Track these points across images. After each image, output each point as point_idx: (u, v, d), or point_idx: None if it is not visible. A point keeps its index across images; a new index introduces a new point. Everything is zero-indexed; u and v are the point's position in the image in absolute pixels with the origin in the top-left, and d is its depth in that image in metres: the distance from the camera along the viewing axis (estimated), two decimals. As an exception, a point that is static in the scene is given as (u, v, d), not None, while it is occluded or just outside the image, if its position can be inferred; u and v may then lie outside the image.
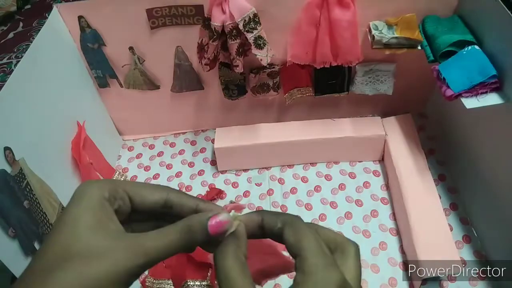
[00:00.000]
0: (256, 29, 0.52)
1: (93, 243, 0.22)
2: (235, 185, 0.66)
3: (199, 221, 0.24)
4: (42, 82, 0.49)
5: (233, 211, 0.27)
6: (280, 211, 0.61)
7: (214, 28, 0.51)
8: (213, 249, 0.25)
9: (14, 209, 0.41)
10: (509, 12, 0.43)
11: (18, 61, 0.46)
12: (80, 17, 0.55)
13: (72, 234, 0.22)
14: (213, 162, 0.69)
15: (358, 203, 0.61)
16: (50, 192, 0.48)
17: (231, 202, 0.24)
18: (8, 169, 0.41)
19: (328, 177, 0.65)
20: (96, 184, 0.24)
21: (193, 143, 0.73)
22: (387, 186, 0.63)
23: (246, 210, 0.28)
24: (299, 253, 0.24)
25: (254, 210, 0.61)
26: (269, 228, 0.26)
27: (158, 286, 0.54)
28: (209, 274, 0.54)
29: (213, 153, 0.67)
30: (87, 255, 0.21)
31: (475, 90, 0.45)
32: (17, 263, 0.40)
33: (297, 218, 0.26)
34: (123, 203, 0.25)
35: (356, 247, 0.26)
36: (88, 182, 0.25)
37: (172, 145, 0.73)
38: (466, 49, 0.48)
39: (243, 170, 0.68)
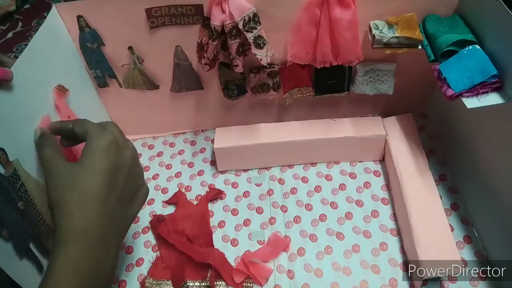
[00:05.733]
0: (256, 28, 0.51)
1: None
2: (235, 185, 0.66)
3: None
4: (40, 81, 0.49)
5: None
6: (280, 211, 0.61)
7: (214, 28, 0.51)
8: None
9: (8, 210, 0.40)
10: (510, 12, 0.43)
11: (17, 61, 0.46)
12: (79, 17, 0.55)
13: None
14: (213, 162, 0.69)
15: (359, 203, 0.61)
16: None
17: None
18: (2, 170, 0.40)
19: (328, 177, 0.65)
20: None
21: (192, 143, 0.73)
22: (388, 186, 0.63)
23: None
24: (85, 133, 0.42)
25: (254, 210, 0.62)
26: (66, 130, 0.44)
27: (157, 287, 0.54)
28: (208, 274, 0.54)
29: (213, 153, 0.67)
30: None
31: (476, 89, 0.45)
32: (11, 264, 0.40)
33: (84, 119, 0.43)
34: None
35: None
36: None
37: (172, 145, 0.73)
38: (466, 48, 0.48)
39: (243, 170, 0.67)
